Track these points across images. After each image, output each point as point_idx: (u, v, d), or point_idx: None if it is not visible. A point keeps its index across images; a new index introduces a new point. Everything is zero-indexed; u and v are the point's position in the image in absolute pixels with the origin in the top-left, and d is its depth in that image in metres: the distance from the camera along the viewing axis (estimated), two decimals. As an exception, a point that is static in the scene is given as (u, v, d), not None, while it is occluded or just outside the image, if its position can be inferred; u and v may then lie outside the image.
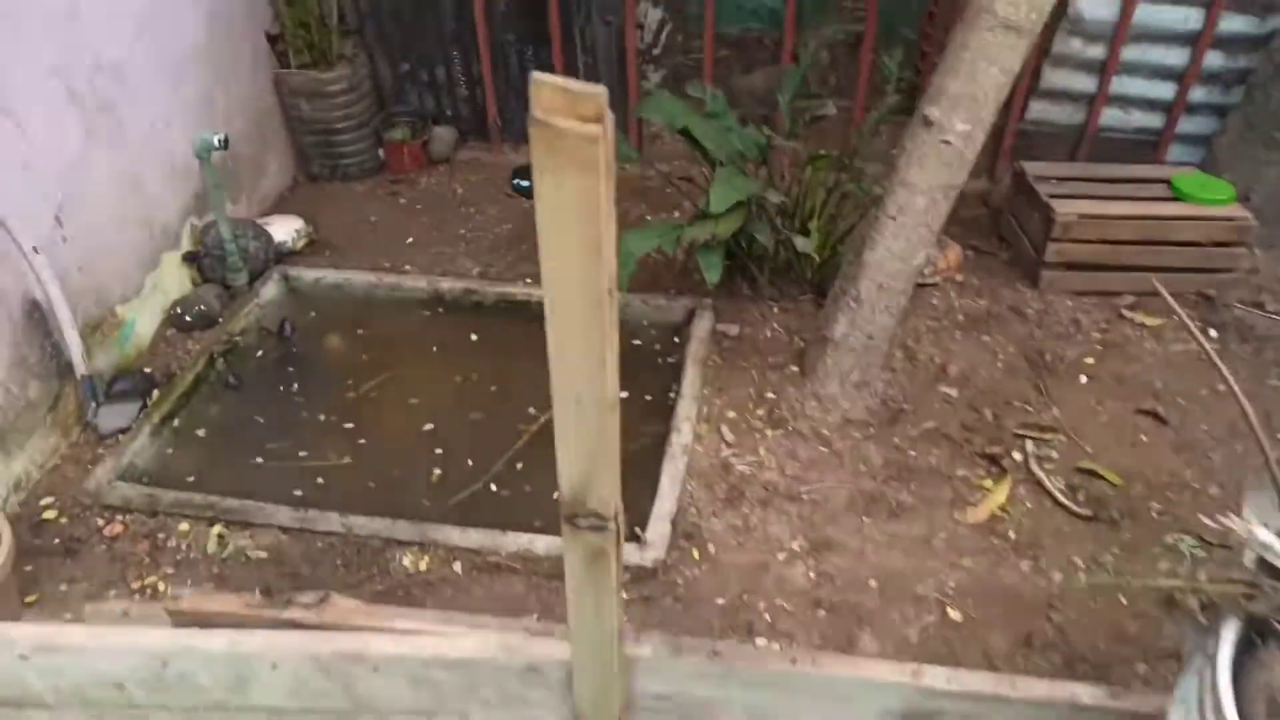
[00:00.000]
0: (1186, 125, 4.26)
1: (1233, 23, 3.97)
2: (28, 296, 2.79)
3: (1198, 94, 4.17)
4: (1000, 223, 4.10)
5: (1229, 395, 3.28)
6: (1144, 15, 3.96)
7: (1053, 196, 3.70)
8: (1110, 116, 4.27)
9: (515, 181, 4.43)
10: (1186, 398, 3.25)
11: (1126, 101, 4.24)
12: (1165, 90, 4.18)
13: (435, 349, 3.49)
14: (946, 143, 2.70)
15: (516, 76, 4.50)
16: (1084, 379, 3.34)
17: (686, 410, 3.10)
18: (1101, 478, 2.93)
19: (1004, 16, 2.49)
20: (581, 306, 1.25)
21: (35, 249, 2.70)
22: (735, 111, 3.48)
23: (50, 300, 2.78)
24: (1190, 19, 3.97)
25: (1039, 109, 4.32)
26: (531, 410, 3.19)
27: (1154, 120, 4.27)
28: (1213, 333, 3.58)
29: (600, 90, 1.06)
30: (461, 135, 4.70)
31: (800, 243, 3.15)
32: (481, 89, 4.53)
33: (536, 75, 1.05)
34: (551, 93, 1.08)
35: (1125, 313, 3.66)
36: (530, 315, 3.65)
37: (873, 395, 3.21)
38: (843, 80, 4.88)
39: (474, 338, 3.53)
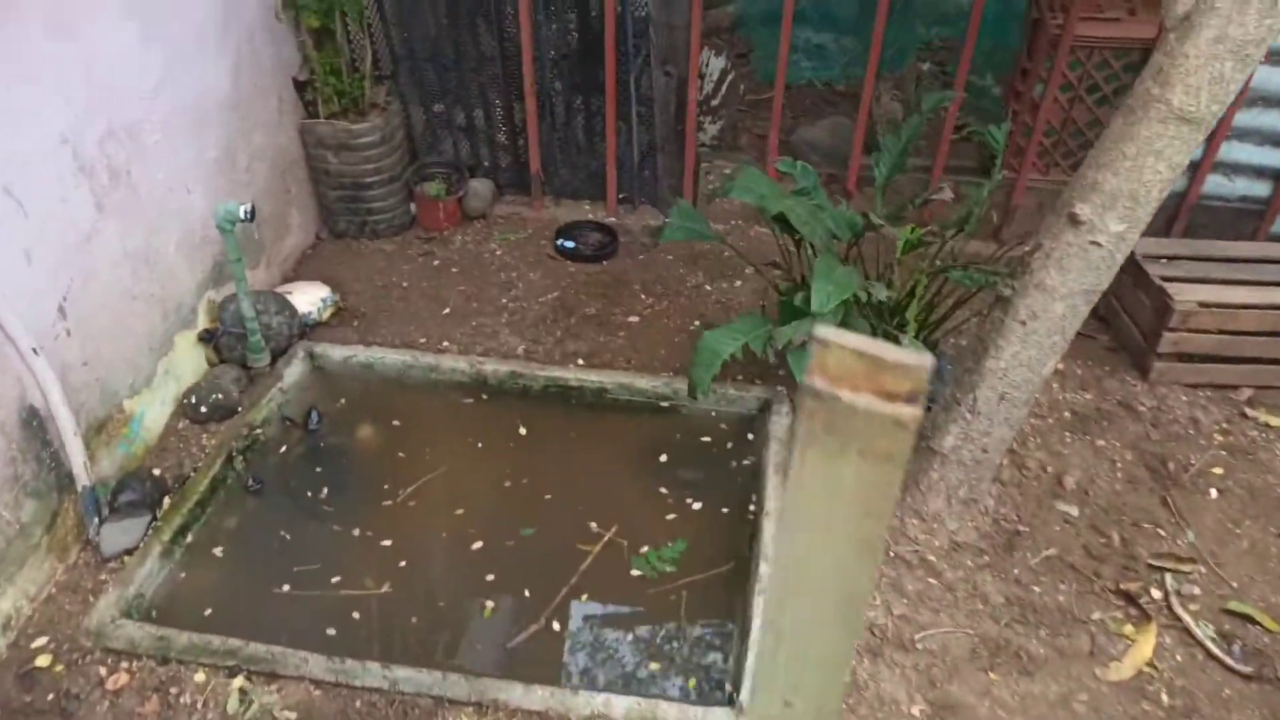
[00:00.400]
0: (1297, 195, 3.90)
1: (1357, 87, 3.62)
2: (25, 403, 2.40)
3: (1313, 162, 3.81)
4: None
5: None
6: (1263, 78, 3.60)
7: (1165, 279, 3.33)
8: (1212, 183, 3.90)
9: (559, 242, 4.05)
10: (1335, 520, 2.88)
11: (1232, 168, 3.87)
12: (1276, 157, 3.82)
13: (480, 445, 3.10)
14: (1096, 244, 2.33)
15: (563, 125, 4.12)
16: (1214, 492, 2.96)
17: (773, 533, 2.72)
18: (1256, 622, 2.56)
19: (1179, 107, 2.11)
20: (826, 608, 0.89)
21: (35, 350, 2.31)
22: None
23: (50, 406, 2.39)
24: (1313, 83, 3.62)
25: (1134, 173, 3.95)
26: (593, 525, 2.81)
27: (1261, 189, 3.90)
28: (1348, 437, 3.21)
29: (924, 363, 0.70)
30: (499, 188, 4.32)
31: (905, 342, 2.77)
32: (524, 138, 4.16)
33: (822, 332, 0.72)
34: (840, 356, 0.73)
35: (1247, 411, 3.28)
36: (583, 403, 3.27)
37: (982, 513, 2.83)
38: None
39: (522, 431, 3.15)
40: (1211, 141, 3.72)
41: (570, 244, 4.05)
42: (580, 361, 3.40)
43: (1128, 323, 3.50)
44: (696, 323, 3.64)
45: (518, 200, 4.33)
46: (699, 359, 2.72)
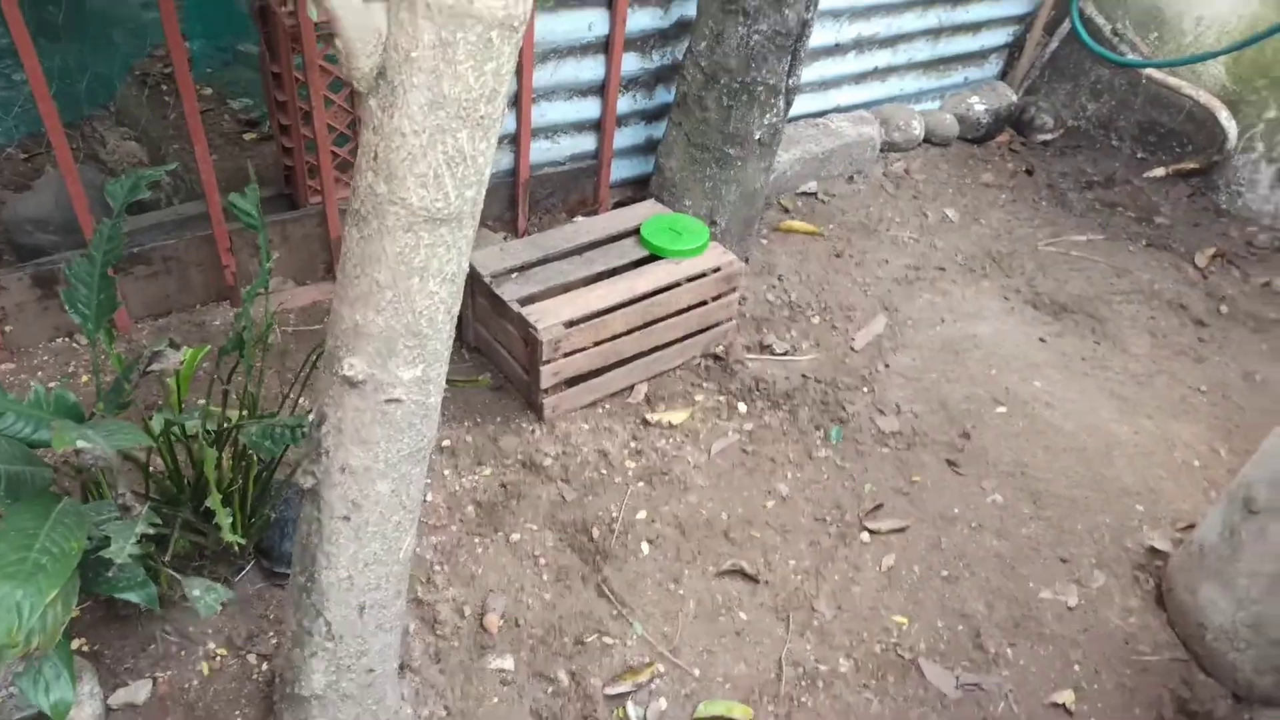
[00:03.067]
0: (622, 139, 3.61)
1: (639, 19, 3.34)
2: None
3: (624, 103, 3.52)
4: (463, 328, 3.09)
5: (791, 492, 2.75)
6: (545, 29, 3.12)
7: (523, 302, 2.78)
8: (540, 151, 3.44)
9: None
10: (754, 523, 2.64)
11: (553, 130, 3.43)
12: (589, 107, 3.45)
13: None
14: (395, 401, 1.56)
15: None
16: (646, 547, 2.55)
17: None
18: (729, 719, 2.18)
19: (422, 206, 1.37)
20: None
21: None
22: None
23: None
24: (595, 24, 3.24)
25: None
26: None
27: (587, 142, 3.55)
28: (741, 407, 3.03)
29: None
30: None
31: (199, 595, 1.80)
32: None
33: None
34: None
35: (648, 417, 2.93)
36: None
37: (401, 733, 2.07)
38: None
39: None
40: (520, 109, 3.20)
41: None
42: None
43: (505, 355, 2.93)
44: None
45: None
46: None
